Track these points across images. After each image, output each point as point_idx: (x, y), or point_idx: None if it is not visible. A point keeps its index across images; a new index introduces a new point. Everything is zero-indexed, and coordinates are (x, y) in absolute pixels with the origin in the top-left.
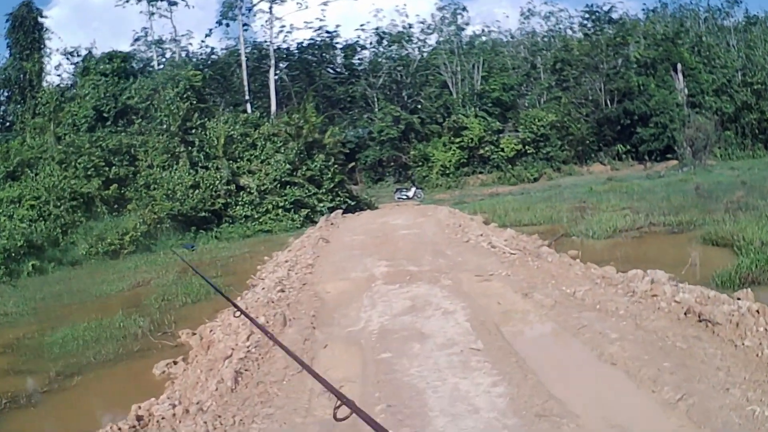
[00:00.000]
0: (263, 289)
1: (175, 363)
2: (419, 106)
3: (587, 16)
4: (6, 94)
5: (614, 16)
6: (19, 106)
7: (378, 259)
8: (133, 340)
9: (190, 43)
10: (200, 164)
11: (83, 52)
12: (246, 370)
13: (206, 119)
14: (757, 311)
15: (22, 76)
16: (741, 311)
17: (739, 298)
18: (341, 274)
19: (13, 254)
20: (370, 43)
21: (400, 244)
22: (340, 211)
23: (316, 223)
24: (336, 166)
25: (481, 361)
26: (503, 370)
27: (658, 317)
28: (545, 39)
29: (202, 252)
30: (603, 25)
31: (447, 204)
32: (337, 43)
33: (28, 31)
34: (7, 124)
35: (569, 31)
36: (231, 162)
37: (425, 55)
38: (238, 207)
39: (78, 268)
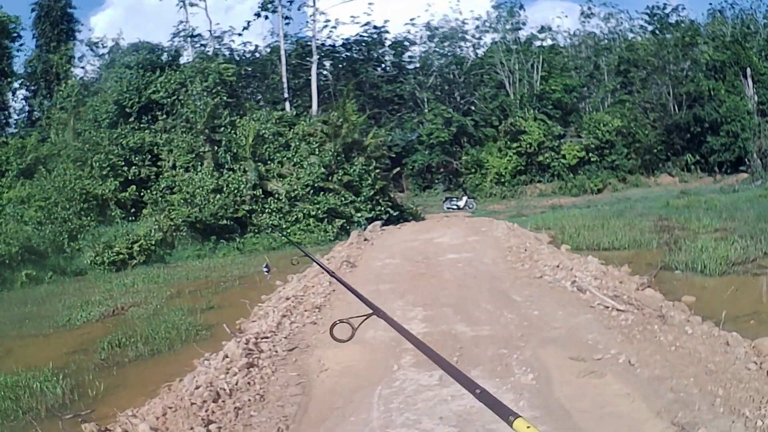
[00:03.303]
0: (223, 360)
1: None
2: (473, 108)
3: (648, 18)
4: (32, 87)
5: (677, 18)
6: (45, 100)
7: (413, 305)
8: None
9: (233, 40)
10: (227, 166)
11: (109, 44)
12: None
13: (237, 117)
14: None
15: (48, 69)
16: None
17: None
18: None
19: (7, 261)
20: (420, 38)
21: (446, 275)
22: (379, 222)
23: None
24: (378, 171)
25: None
26: None
27: None
28: (607, 40)
29: (211, 267)
30: (666, 26)
31: (503, 217)
32: (385, 39)
33: (55, 22)
34: (33, 119)
35: (630, 34)
36: (260, 164)
37: (480, 53)
38: (264, 215)
39: (81, 280)
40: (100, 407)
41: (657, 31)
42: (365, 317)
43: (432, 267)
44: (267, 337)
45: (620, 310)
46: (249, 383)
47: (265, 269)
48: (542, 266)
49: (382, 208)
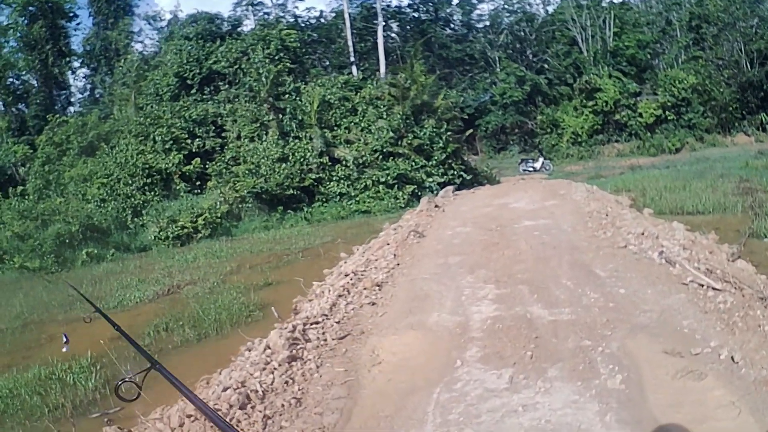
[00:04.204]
0: (263, 352)
1: None
2: (546, 66)
3: None
4: (93, 66)
5: None
6: (107, 77)
7: (484, 281)
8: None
9: (296, 7)
10: (292, 134)
11: (167, 17)
12: None
13: (301, 83)
14: None
15: (107, 46)
16: None
17: None
18: (418, 311)
19: (67, 240)
20: None
21: (521, 245)
22: (452, 187)
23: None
24: (449, 133)
25: None
26: None
27: None
28: None
29: (276, 239)
30: None
31: (580, 178)
32: None
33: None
34: (96, 96)
35: None
36: (326, 131)
37: (550, 10)
38: (332, 183)
39: (143, 256)
40: (130, 404)
41: None
42: (146, 372)
43: (507, 236)
44: (317, 323)
45: (717, 289)
46: (287, 382)
47: (64, 343)
48: (626, 234)
49: (455, 172)
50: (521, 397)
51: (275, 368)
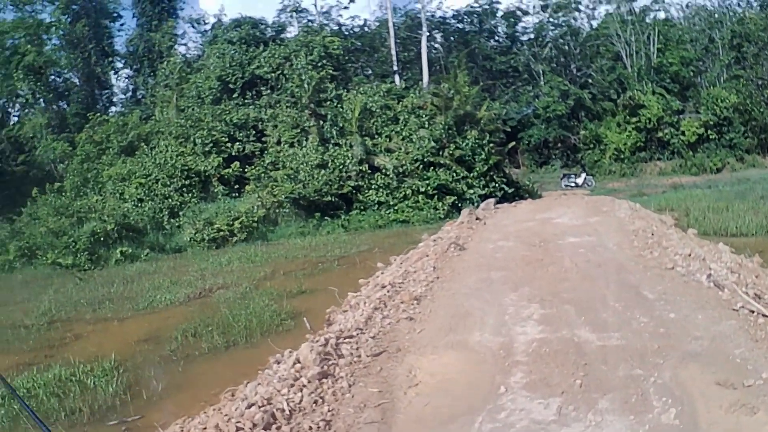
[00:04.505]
0: (293, 366)
1: None
2: (589, 81)
3: None
4: (135, 66)
5: None
6: (150, 78)
7: (528, 300)
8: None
9: (340, 15)
10: (332, 141)
11: (211, 20)
12: None
13: (343, 90)
14: None
15: (150, 47)
16: None
17: None
18: (459, 329)
19: (102, 238)
20: (533, 8)
21: (565, 263)
22: (493, 200)
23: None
24: (492, 145)
25: None
26: None
27: None
28: (718, 13)
29: (312, 246)
30: None
31: (623, 195)
32: (497, 9)
33: (155, 1)
34: (138, 97)
35: (738, 8)
36: (366, 138)
37: (594, 24)
38: (371, 191)
39: (177, 257)
40: (151, 412)
41: (765, 5)
42: None
43: (550, 252)
44: (351, 337)
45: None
46: (316, 401)
47: None
48: (672, 254)
49: (496, 185)
50: (571, 431)
51: (304, 385)
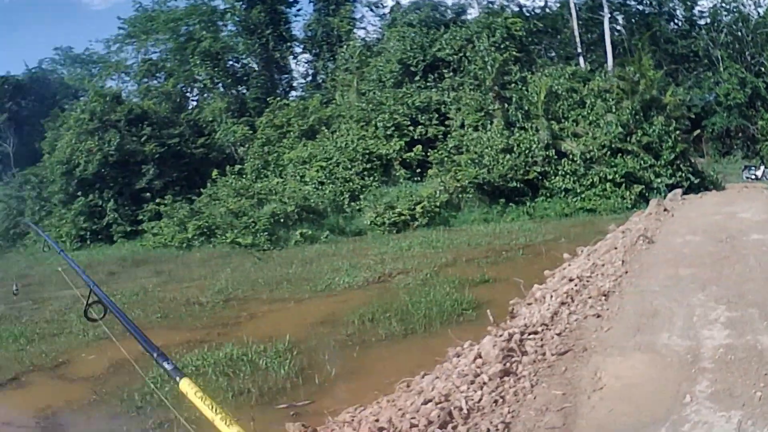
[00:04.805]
0: (473, 361)
1: None
2: (762, 69)
3: None
4: (314, 51)
5: None
6: (329, 62)
7: (715, 300)
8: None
9: None
10: (518, 124)
11: (389, 3)
12: None
13: (527, 72)
14: None
15: (329, 32)
16: None
17: None
18: (647, 329)
19: (282, 220)
20: None
21: (750, 261)
22: (680, 191)
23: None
24: (678, 132)
25: None
26: None
27: None
28: None
29: (496, 233)
30: None
31: None
32: None
33: None
34: (318, 82)
35: None
36: (553, 122)
37: (761, 12)
38: (557, 178)
39: (357, 240)
40: (322, 398)
41: None
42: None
43: (736, 249)
44: (536, 333)
45: None
46: (496, 401)
47: (15, 290)
48: None
49: (683, 175)
50: None
51: (485, 383)
